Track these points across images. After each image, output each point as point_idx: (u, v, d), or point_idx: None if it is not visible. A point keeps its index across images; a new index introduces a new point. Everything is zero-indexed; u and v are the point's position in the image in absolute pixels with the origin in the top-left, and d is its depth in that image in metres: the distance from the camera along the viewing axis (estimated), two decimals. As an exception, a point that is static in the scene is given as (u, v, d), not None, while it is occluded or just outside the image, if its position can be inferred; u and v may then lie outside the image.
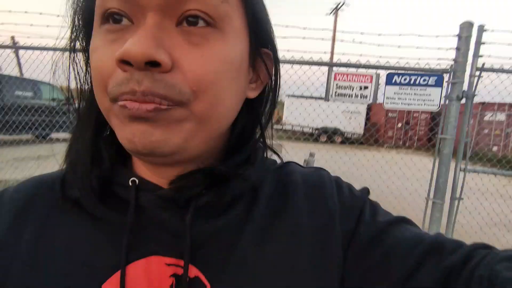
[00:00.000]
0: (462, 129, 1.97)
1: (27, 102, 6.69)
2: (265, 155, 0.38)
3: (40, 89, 8.12)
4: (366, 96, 2.27)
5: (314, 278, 0.32)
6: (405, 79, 2.02)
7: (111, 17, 0.27)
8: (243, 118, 0.35)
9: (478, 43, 1.91)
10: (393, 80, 2.05)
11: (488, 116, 10.91)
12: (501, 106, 10.72)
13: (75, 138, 0.34)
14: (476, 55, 1.91)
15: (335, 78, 2.29)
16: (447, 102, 1.95)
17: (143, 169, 0.33)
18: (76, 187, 0.32)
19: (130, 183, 0.31)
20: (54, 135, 4.52)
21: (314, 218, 0.34)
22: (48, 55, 2.58)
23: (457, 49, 1.89)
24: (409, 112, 12.66)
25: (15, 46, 2.85)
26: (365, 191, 0.39)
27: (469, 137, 2.03)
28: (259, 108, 0.37)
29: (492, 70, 2.01)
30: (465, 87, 1.93)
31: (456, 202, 2.04)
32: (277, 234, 0.33)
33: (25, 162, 4.48)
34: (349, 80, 2.26)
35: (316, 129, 12.11)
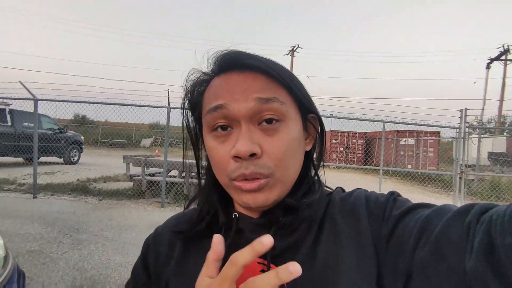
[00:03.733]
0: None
1: (30, 131, 8.17)
2: (320, 186, 0.49)
3: (41, 120, 9.58)
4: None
5: (360, 275, 0.39)
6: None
7: (219, 127, 0.42)
8: (305, 164, 0.48)
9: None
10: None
11: (402, 141, 14.34)
12: (411, 133, 14.24)
13: (204, 191, 0.51)
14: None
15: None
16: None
17: (240, 208, 0.48)
18: (203, 221, 0.49)
19: (233, 216, 0.47)
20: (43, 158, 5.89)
21: (351, 228, 0.43)
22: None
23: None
24: (348, 138, 15.74)
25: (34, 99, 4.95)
26: (390, 193, 0.45)
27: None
28: (312, 155, 0.50)
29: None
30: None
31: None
32: (329, 244, 0.42)
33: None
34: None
35: None
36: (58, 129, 10.90)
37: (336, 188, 0.51)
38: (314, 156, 0.51)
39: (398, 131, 13.91)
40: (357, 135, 15.86)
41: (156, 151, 16.46)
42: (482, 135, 10.92)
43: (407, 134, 14.06)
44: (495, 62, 19.62)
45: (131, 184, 6.88)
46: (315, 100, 0.48)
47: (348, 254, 0.41)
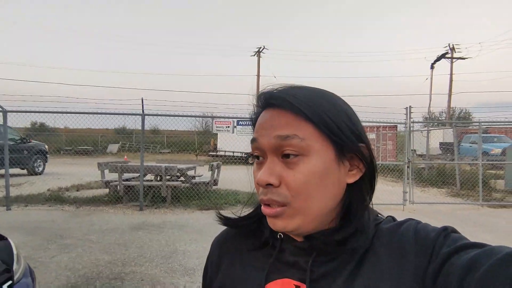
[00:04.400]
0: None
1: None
2: (370, 219, 0.47)
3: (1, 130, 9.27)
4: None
5: None
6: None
7: (256, 157, 0.47)
8: (349, 196, 0.47)
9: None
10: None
11: (364, 136, 15.35)
12: (371, 128, 15.36)
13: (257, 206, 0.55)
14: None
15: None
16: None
17: None
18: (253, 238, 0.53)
19: (278, 236, 0.50)
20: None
21: (394, 263, 0.42)
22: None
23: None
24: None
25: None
26: (442, 228, 0.43)
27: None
28: (362, 187, 0.47)
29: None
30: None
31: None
32: (369, 278, 0.42)
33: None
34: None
35: (246, 153, 14.74)
36: (19, 139, 10.53)
37: (387, 217, 0.50)
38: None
39: (359, 126, 14.86)
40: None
41: (125, 157, 16.26)
42: (430, 128, 12.17)
43: (368, 129, 15.12)
44: (443, 61, 21.53)
45: (106, 190, 6.99)
46: None
47: (386, 287, 0.41)
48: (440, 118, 26.67)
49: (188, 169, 7.15)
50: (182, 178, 7.08)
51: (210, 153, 18.59)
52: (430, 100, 13.99)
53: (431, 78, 14.68)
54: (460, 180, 8.57)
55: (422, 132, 11.38)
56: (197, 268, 3.37)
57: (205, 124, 34.24)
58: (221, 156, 16.46)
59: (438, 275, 0.38)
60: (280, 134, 0.43)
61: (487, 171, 9.80)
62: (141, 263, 3.50)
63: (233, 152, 15.50)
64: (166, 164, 6.49)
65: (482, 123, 8.12)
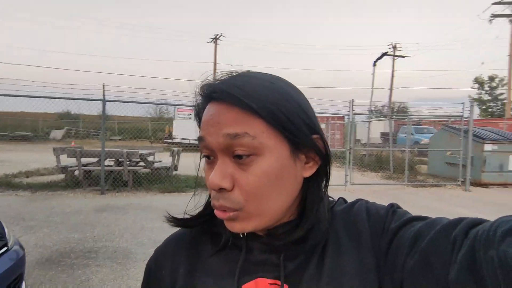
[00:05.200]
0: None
1: None
2: (326, 208, 0.46)
3: None
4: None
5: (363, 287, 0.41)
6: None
7: (206, 156, 0.43)
8: (306, 190, 0.45)
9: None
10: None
11: (315, 126, 16.55)
12: (322, 119, 16.55)
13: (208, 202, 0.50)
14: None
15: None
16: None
17: None
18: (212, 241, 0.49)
19: (242, 235, 0.46)
20: None
21: (353, 241, 0.43)
22: None
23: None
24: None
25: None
26: (389, 206, 0.46)
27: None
28: (318, 180, 0.46)
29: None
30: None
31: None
32: (334, 258, 0.43)
33: None
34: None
35: None
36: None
37: (339, 199, 0.51)
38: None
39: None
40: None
41: (73, 143, 15.41)
42: (371, 120, 13.61)
43: (319, 119, 16.18)
44: (388, 57, 23.65)
45: (60, 176, 6.90)
46: None
47: (351, 267, 0.42)
48: (382, 111, 29.28)
49: (149, 154, 7.32)
50: (142, 164, 7.24)
51: (166, 140, 18.39)
52: (372, 94, 15.47)
53: (373, 75, 16.17)
54: (393, 165, 9.91)
55: (365, 123, 12.72)
56: (166, 241, 3.73)
57: (159, 111, 33.34)
58: (177, 143, 16.44)
59: (389, 249, 0.40)
60: (228, 133, 0.39)
61: (416, 158, 11.36)
62: (111, 239, 3.77)
63: (189, 139, 15.61)
64: (128, 150, 6.61)
65: (411, 116, 9.41)
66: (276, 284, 0.43)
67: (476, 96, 31.04)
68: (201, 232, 0.51)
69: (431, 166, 9.75)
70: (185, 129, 15.04)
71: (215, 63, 27.94)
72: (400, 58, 25.68)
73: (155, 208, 5.16)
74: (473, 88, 31.33)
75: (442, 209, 5.69)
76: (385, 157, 10.87)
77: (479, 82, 31.05)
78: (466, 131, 7.88)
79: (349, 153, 7.56)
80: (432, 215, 0.42)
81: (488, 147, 7.95)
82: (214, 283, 0.45)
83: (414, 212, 0.44)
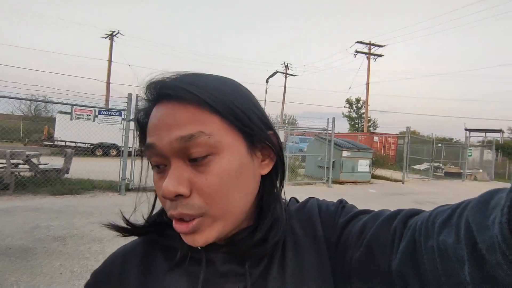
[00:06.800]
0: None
1: None
2: (282, 205, 0.46)
3: None
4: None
5: (321, 281, 0.42)
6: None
7: (156, 166, 0.40)
8: (262, 189, 0.44)
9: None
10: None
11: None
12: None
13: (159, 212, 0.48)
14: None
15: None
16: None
17: None
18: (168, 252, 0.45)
19: (200, 248, 0.42)
20: None
21: (309, 237, 0.44)
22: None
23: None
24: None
25: None
26: (338, 202, 0.47)
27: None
28: (273, 177, 0.45)
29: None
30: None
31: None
32: (294, 255, 0.43)
33: None
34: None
35: (92, 144, 13.47)
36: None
37: (291, 198, 0.52)
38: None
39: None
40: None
41: None
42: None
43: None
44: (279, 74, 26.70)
45: None
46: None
47: (309, 263, 0.42)
48: (275, 122, 32.68)
49: (34, 156, 6.75)
50: (23, 166, 6.61)
51: (45, 142, 15.78)
52: (264, 107, 17.46)
53: (266, 90, 18.28)
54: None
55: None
56: (67, 236, 3.83)
57: (35, 109, 28.45)
58: (60, 146, 14.08)
59: (339, 242, 0.42)
60: (182, 135, 0.36)
61: (302, 163, 13.49)
62: (1, 238, 3.64)
63: (76, 142, 14.01)
64: (11, 149, 6.00)
65: (299, 128, 11.14)
66: None
67: (347, 114, 37.89)
68: (150, 246, 0.47)
69: (307, 168, 11.83)
70: (71, 130, 13.22)
71: (110, 61, 26.01)
72: (290, 76, 29.44)
73: (48, 210, 4.98)
74: (345, 107, 38.18)
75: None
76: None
77: (349, 102, 37.99)
78: (330, 141, 10.04)
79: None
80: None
81: (344, 153, 10.31)
82: None
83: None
